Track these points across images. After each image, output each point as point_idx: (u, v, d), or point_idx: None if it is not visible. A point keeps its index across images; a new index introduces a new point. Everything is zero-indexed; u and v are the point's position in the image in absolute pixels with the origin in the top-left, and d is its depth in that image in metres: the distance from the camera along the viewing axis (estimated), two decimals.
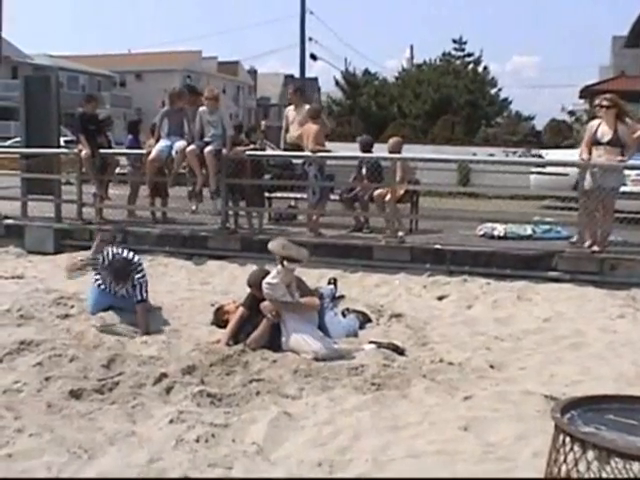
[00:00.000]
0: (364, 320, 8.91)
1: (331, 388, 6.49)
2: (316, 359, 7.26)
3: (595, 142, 11.21)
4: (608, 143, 11.11)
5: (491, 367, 7.23)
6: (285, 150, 14.86)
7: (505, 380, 6.85)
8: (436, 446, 5.24)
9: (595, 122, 11.37)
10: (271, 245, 7.93)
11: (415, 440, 5.38)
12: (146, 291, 8.88)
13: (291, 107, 15.23)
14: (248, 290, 8.31)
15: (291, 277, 7.82)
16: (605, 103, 11.20)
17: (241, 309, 8.01)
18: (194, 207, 13.32)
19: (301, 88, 16.29)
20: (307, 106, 14.76)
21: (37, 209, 14.81)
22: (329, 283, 10.10)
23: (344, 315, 8.87)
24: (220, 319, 8.56)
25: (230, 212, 13.55)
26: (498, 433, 5.48)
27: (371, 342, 7.75)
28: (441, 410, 5.98)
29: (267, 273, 8.04)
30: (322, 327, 7.99)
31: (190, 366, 6.92)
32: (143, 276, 8.96)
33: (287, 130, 15.10)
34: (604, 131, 11.18)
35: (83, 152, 13.95)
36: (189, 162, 13.02)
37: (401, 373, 6.82)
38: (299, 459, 5.06)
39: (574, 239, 11.77)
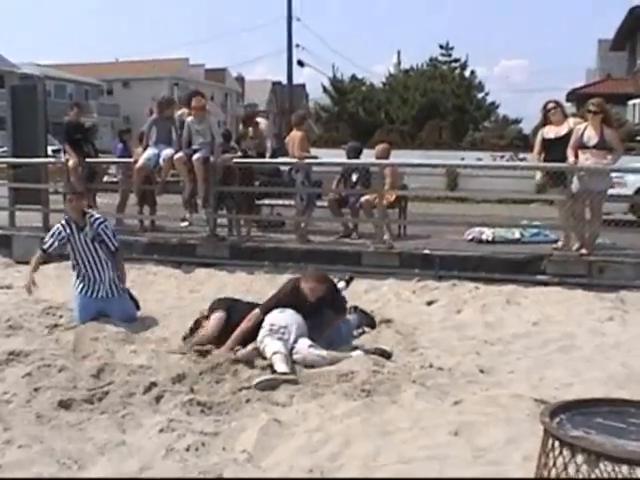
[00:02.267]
0: (367, 323, 8.95)
1: (321, 395, 6.49)
2: (305, 366, 7.26)
3: (582, 145, 11.29)
4: (595, 146, 11.20)
5: (481, 371, 7.23)
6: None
7: (495, 384, 6.85)
8: (426, 451, 5.23)
9: (582, 126, 11.45)
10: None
11: (405, 445, 5.37)
12: (115, 237, 9.41)
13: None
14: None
15: None
16: (592, 109, 11.30)
17: (222, 314, 7.96)
18: (188, 216, 13.34)
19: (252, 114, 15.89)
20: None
21: (25, 219, 14.77)
22: (344, 281, 9.68)
23: (349, 312, 8.93)
24: (194, 332, 8.21)
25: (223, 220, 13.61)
26: (488, 437, 5.47)
27: (358, 348, 7.75)
28: (431, 415, 5.98)
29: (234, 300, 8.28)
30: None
31: (180, 375, 6.91)
32: (103, 221, 9.42)
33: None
34: (590, 135, 11.26)
35: (70, 162, 13.94)
36: (177, 170, 13.03)
37: (391, 379, 6.81)
38: (290, 466, 5.06)
39: (559, 244, 11.81)
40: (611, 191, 14.45)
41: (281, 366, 6.96)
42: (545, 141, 12.05)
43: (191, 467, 5.00)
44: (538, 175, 12.85)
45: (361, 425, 5.76)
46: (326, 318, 8.16)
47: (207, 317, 8.17)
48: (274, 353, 7.11)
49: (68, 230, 9.34)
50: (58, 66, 77.88)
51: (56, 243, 9.37)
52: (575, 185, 11.35)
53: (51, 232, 9.50)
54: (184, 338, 8.09)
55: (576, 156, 11.32)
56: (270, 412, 6.04)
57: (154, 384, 6.65)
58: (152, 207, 14.82)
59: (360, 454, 5.22)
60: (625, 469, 3.21)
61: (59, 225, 9.45)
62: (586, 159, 11.25)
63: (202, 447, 5.35)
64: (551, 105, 12.08)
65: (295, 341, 7.49)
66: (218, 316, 7.95)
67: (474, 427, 5.66)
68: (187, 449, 5.30)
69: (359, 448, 5.34)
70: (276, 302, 8.01)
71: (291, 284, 8.17)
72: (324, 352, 7.52)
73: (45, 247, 9.43)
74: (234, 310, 8.00)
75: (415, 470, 4.92)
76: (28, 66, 70.06)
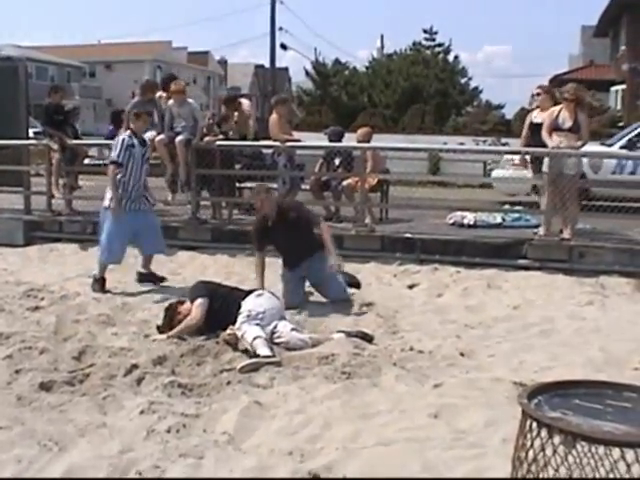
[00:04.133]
0: (352, 282, 9.63)
1: (302, 377, 6.50)
2: (287, 349, 7.28)
3: (556, 128, 11.34)
4: (569, 130, 11.26)
5: (461, 355, 7.25)
6: None
7: (475, 367, 6.88)
8: (406, 433, 5.26)
9: (557, 108, 11.51)
10: None
11: (386, 428, 5.40)
12: None
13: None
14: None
15: None
16: (567, 97, 11.37)
17: (205, 300, 7.90)
18: (170, 198, 13.31)
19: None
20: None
21: (6, 201, 14.71)
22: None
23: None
24: (172, 321, 7.91)
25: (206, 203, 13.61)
26: (468, 420, 5.51)
27: (340, 331, 7.75)
28: (411, 398, 6.01)
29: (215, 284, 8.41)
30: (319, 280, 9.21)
31: (161, 357, 6.91)
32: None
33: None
34: (565, 117, 11.33)
35: (55, 153, 13.89)
36: (158, 153, 13.00)
37: (371, 362, 6.84)
38: (270, 448, 5.07)
39: (540, 230, 11.76)
40: (514, 174, 15.12)
41: (264, 350, 6.97)
42: (532, 125, 12.12)
43: (172, 449, 5.00)
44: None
45: (341, 407, 5.78)
46: (304, 232, 9.11)
47: (183, 303, 8.04)
48: (254, 338, 7.09)
49: (134, 141, 9.98)
50: (40, 48, 77.26)
51: (126, 153, 9.91)
52: (546, 167, 11.46)
53: (117, 145, 9.98)
54: (159, 328, 7.93)
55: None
56: (251, 394, 6.05)
57: (135, 366, 6.66)
58: None
59: (340, 436, 5.24)
60: (602, 450, 3.25)
61: (124, 137, 10.03)
62: (560, 142, 11.30)
63: (183, 429, 5.36)
64: (536, 91, 12.14)
65: (275, 326, 7.51)
66: (202, 303, 7.80)
67: (454, 410, 5.69)
68: (168, 431, 5.31)
69: (339, 430, 5.36)
70: (255, 240, 9.32)
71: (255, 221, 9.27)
72: (306, 336, 7.54)
73: (119, 160, 9.91)
74: (216, 295, 7.96)
75: (395, 452, 4.94)
76: (9, 48, 69.27)
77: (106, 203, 9.97)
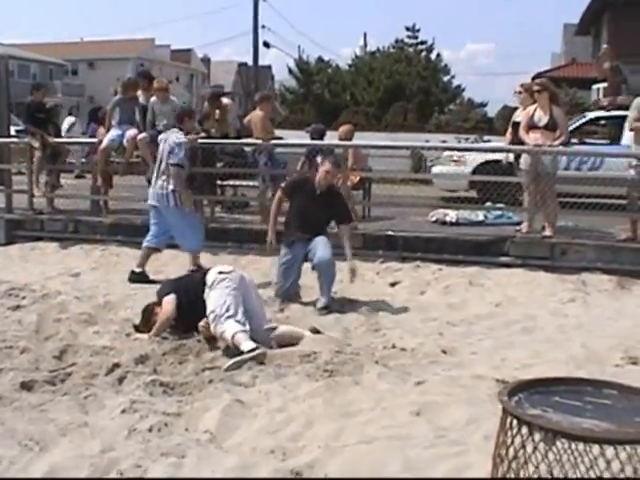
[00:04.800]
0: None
1: (284, 375, 6.49)
2: (270, 347, 7.27)
3: (532, 126, 11.39)
4: (545, 127, 11.30)
5: (443, 352, 7.28)
6: None
7: (457, 365, 6.90)
8: (388, 431, 5.26)
9: (532, 106, 11.56)
10: None
11: (368, 426, 5.40)
12: None
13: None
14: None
15: None
16: (536, 88, 11.47)
17: (172, 295, 7.82)
18: None
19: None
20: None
21: None
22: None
23: None
24: (149, 322, 7.85)
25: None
26: (450, 417, 5.52)
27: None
28: (393, 395, 6.01)
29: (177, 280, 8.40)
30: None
31: (143, 355, 6.89)
32: None
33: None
34: (540, 115, 11.37)
35: (37, 151, 13.82)
36: (140, 150, 12.97)
37: (354, 359, 6.83)
38: (252, 447, 5.06)
39: (523, 229, 11.75)
40: (452, 169, 15.36)
41: (247, 344, 6.89)
42: (515, 124, 12.17)
43: (153, 448, 4.99)
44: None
45: (323, 406, 5.78)
46: (329, 216, 9.52)
47: (160, 304, 7.88)
48: (233, 335, 7.00)
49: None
50: (22, 45, 76.85)
51: (186, 155, 10.38)
52: (524, 163, 11.51)
53: (179, 148, 10.22)
54: (136, 328, 7.87)
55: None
56: (233, 393, 6.04)
57: (117, 365, 6.65)
58: (109, 188, 14.54)
59: (322, 434, 5.24)
60: (581, 446, 3.26)
61: (184, 139, 10.35)
62: (536, 139, 11.34)
63: (165, 428, 5.34)
64: (518, 89, 12.20)
65: (245, 311, 7.36)
66: (171, 297, 7.69)
67: (436, 407, 5.70)
68: (150, 430, 5.29)
69: (321, 428, 5.36)
70: (289, 186, 9.76)
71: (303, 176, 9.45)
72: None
73: (182, 163, 10.28)
74: (181, 288, 7.84)
75: (377, 450, 4.95)
76: None
77: (179, 203, 10.34)
